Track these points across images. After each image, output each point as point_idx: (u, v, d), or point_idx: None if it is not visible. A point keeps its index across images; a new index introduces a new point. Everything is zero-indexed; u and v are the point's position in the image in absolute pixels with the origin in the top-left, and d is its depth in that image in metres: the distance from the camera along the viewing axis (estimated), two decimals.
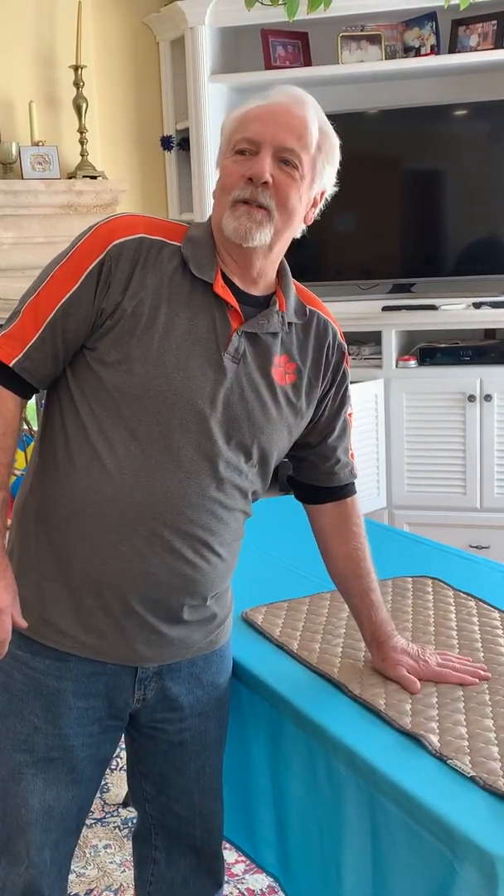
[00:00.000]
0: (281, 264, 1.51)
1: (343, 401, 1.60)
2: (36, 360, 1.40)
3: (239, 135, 1.40)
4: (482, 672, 1.55)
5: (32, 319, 1.39)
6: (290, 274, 1.52)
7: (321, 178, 1.45)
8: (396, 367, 3.92)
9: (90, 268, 1.38)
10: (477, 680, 1.53)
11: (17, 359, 1.39)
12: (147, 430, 1.38)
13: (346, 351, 1.59)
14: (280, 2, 3.73)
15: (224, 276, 1.43)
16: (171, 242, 1.42)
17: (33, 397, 1.48)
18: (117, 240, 1.39)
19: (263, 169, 1.37)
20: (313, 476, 1.63)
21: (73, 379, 1.42)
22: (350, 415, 1.62)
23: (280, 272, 1.50)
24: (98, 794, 2.55)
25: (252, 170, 1.37)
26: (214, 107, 4.07)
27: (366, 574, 1.62)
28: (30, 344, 1.39)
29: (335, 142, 1.45)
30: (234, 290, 1.43)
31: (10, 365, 1.39)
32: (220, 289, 1.41)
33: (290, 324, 1.49)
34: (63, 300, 1.38)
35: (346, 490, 1.65)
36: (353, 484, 1.66)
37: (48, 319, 1.38)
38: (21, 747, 1.46)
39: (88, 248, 1.40)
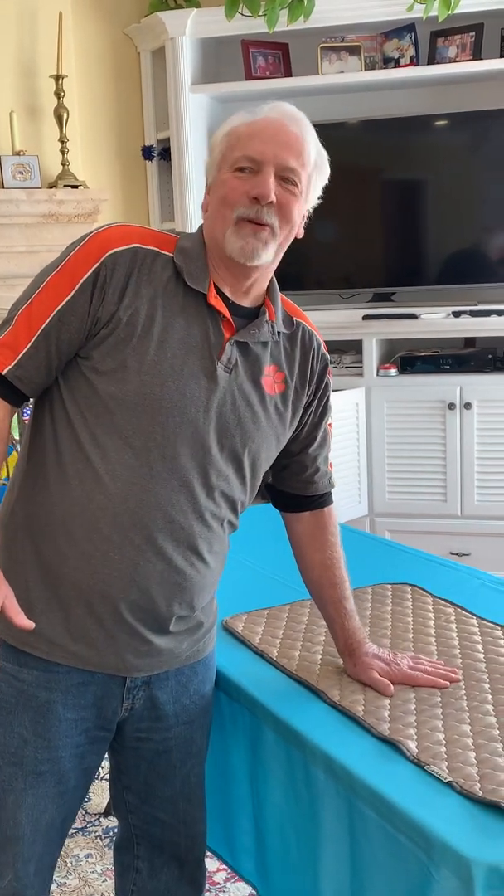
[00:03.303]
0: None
1: (324, 411, 1.62)
2: (29, 368, 1.39)
3: (239, 152, 1.40)
4: (453, 675, 1.56)
5: (26, 327, 1.38)
6: (277, 285, 1.53)
7: (315, 193, 1.48)
8: (377, 375, 3.94)
9: (85, 276, 1.37)
10: (448, 683, 1.54)
11: (9, 367, 1.38)
12: (141, 438, 1.39)
13: (329, 362, 1.61)
14: (260, 13, 3.76)
15: (215, 287, 1.44)
16: (164, 252, 1.42)
17: None
18: (112, 249, 1.39)
19: (269, 189, 1.38)
20: (292, 484, 1.65)
21: (65, 387, 1.42)
22: (330, 425, 1.64)
23: (269, 284, 1.52)
24: None
25: (258, 190, 1.38)
26: (195, 117, 4.08)
27: (340, 583, 1.64)
28: (23, 352, 1.38)
29: (326, 157, 1.48)
30: (224, 300, 1.45)
31: (3, 373, 1.38)
32: (214, 299, 1.42)
33: (278, 333, 1.51)
34: (57, 308, 1.38)
35: (323, 499, 1.66)
36: (331, 494, 1.68)
37: (42, 327, 1.38)
38: (10, 760, 1.46)
39: (83, 256, 1.39)
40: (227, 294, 1.45)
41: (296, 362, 1.54)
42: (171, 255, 1.42)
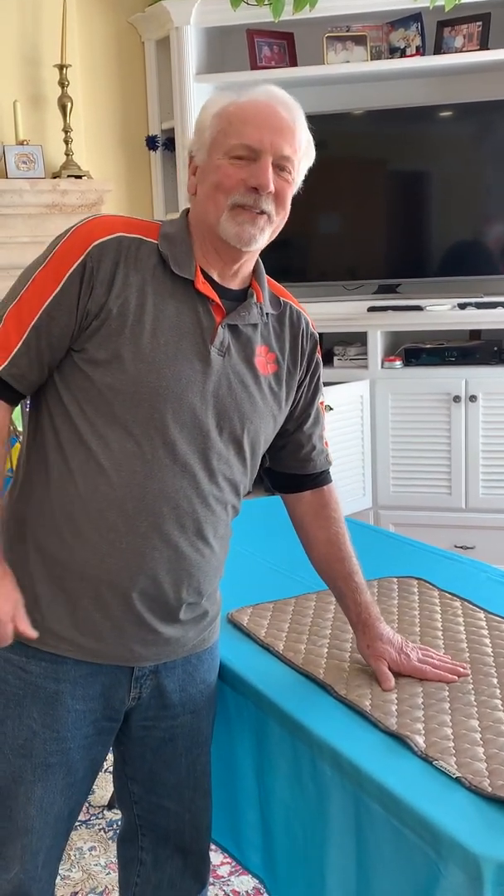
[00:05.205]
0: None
1: (316, 388, 1.63)
2: (22, 366, 1.39)
3: (235, 139, 1.39)
4: (461, 670, 1.56)
5: (15, 325, 1.38)
6: (262, 267, 1.54)
7: (302, 176, 1.48)
8: (382, 367, 3.93)
9: (72, 269, 1.37)
10: (456, 678, 1.54)
11: (3, 366, 1.38)
12: (141, 426, 1.38)
13: (318, 340, 1.62)
14: (266, 2, 3.73)
15: (202, 271, 1.44)
16: (149, 240, 1.43)
17: None
18: (97, 240, 1.39)
19: (269, 180, 1.39)
20: (290, 464, 1.65)
21: (62, 381, 1.42)
22: (322, 403, 1.65)
23: (255, 265, 1.52)
24: None
25: (258, 180, 1.38)
26: (200, 107, 4.05)
27: (347, 557, 1.64)
28: (15, 350, 1.38)
29: (312, 141, 1.48)
30: (212, 283, 1.45)
31: None
32: (201, 285, 1.43)
33: (266, 315, 1.51)
34: (46, 303, 1.37)
35: (322, 477, 1.67)
36: (329, 472, 1.68)
37: (32, 323, 1.38)
38: (19, 752, 1.45)
39: (68, 249, 1.39)
40: (215, 278, 1.45)
41: (286, 342, 1.55)
42: (156, 241, 1.42)
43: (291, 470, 1.65)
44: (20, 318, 1.38)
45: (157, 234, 1.44)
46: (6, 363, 1.38)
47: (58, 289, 1.37)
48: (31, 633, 1.38)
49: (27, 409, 1.50)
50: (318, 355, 1.62)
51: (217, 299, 1.44)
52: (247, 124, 1.39)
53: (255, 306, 1.48)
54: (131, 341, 1.38)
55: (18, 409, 1.53)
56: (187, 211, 1.49)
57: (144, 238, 1.42)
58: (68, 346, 1.40)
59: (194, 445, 1.42)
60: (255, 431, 1.49)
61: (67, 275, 1.37)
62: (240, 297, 1.48)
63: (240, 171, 1.39)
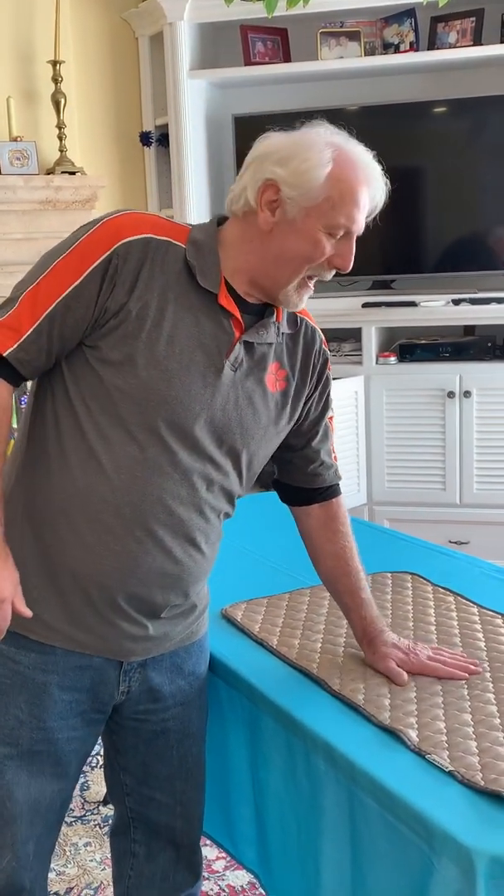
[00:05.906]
0: None
1: (326, 405, 1.62)
2: (30, 351, 1.37)
3: (343, 220, 1.39)
4: (473, 667, 1.55)
5: (30, 309, 1.36)
6: None
7: None
8: (376, 363, 3.93)
9: (96, 263, 1.35)
10: (467, 675, 1.53)
11: (11, 349, 1.36)
12: (144, 431, 1.38)
13: (329, 357, 1.62)
14: None
15: (226, 283, 1.42)
16: (177, 243, 1.41)
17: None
18: (125, 238, 1.36)
19: (350, 264, 1.43)
20: (298, 478, 1.65)
21: (70, 374, 1.40)
22: (331, 419, 1.65)
23: None
24: (78, 792, 2.55)
25: (343, 263, 1.42)
26: (193, 103, 4.06)
27: (354, 572, 1.63)
28: (25, 335, 1.36)
29: None
30: (234, 296, 1.43)
31: (5, 355, 1.36)
32: (225, 300, 1.41)
33: (282, 333, 1.51)
34: (64, 294, 1.35)
35: (331, 491, 1.66)
36: (338, 485, 1.68)
37: (47, 312, 1.36)
38: (5, 741, 1.46)
39: (94, 242, 1.37)
40: (239, 292, 1.44)
41: (298, 359, 1.54)
42: (183, 246, 1.41)
43: (300, 483, 1.65)
44: (35, 303, 1.36)
45: (185, 239, 1.41)
46: (15, 347, 1.36)
47: (78, 281, 1.35)
48: (27, 612, 1.36)
49: (23, 406, 1.50)
50: (329, 372, 1.61)
51: (238, 315, 1.43)
52: (354, 207, 1.40)
53: (273, 325, 1.47)
54: (147, 346, 1.37)
55: (13, 406, 1.52)
56: (218, 219, 1.47)
57: (172, 241, 1.40)
58: (79, 339, 1.39)
59: (195, 455, 1.42)
60: (255, 447, 1.49)
61: (90, 269, 1.35)
62: (259, 312, 1.47)
63: (329, 248, 1.40)
